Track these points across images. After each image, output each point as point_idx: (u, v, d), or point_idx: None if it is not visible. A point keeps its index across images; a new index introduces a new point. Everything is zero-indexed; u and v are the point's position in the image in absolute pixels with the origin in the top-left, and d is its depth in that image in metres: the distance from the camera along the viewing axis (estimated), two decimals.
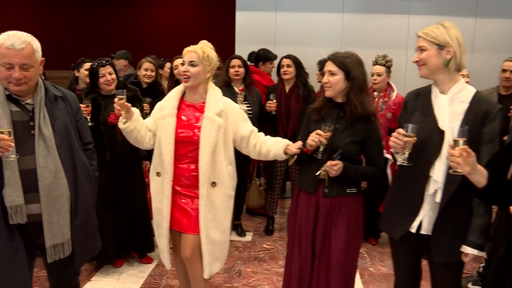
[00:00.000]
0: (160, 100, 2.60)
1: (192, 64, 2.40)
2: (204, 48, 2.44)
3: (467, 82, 3.76)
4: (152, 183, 2.53)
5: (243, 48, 5.51)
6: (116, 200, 3.30)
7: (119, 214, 3.34)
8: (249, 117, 3.80)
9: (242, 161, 3.96)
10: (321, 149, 2.22)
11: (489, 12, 6.09)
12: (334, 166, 2.21)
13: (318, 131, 2.20)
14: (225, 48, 5.22)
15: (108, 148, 3.15)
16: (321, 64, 4.61)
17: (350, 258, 2.36)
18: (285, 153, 2.43)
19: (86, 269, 3.40)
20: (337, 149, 2.26)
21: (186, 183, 2.46)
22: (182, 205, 2.48)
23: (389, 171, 3.63)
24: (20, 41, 1.92)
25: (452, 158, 1.70)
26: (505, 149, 1.78)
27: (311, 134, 2.23)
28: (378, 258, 3.81)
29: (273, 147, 2.49)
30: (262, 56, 4.82)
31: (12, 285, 1.97)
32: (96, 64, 3.22)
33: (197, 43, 2.49)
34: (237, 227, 4.22)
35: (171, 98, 2.50)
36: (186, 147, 2.44)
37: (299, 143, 2.35)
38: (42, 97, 2.04)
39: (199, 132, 2.41)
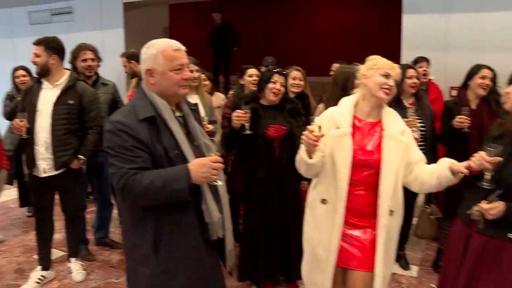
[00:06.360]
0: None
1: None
2: None
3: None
4: (314, 211, 2.25)
5: (410, 54, 4.95)
6: (270, 219, 3.07)
7: (272, 234, 3.10)
8: (422, 135, 3.34)
9: None
10: (487, 176, 1.91)
11: None
12: (491, 210, 1.87)
13: (482, 153, 1.89)
14: (389, 54, 4.76)
15: (266, 163, 2.96)
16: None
17: None
18: (453, 173, 2.02)
19: None
20: (506, 179, 1.90)
21: (359, 212, 2.15)
22: (354, 237, 2.16)
23: None
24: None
25: None
26: None
27: (474, 155, 1.93)
28: None
29: (436, 169, 2.11)
30: None
31: None
32: (273, 68, 3.05)
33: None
34: (400, 258, 3.72)
35: (346, 114, 2.18)
36: (362, 171, 2.12)
37: (465, 163, 2.00)
38: (187, 106, 1.93)
39: (378, 154, 2.09)
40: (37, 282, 3.40)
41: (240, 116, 2.81)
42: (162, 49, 1.75)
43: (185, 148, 1.75)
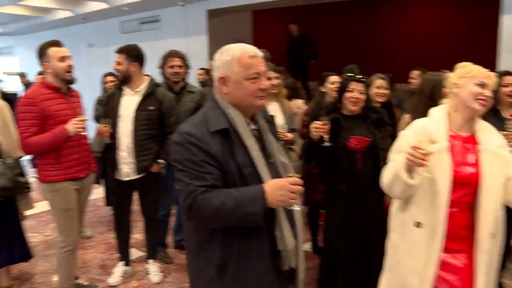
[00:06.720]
0: None
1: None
2: None
3: None
4: (406, 235, 2.03)
5: (509, 58, 4.53)
6: (351, 231, 2.88)
7: (353, 247, 2.89)
8: None
9: None
10: None
11: None
12: None
13: None
14: (485, 58, 4.37)
15: (347, 176, 2.79)
16: None
17: None
18: None
19: None
20: None
21: (454, 236, 1.94)
22: (449, 264, 1.96)
23: None
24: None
25: None
26: None
27: None
28: None
29: None
30: None
31: None
32: (349, 76, 2.87)
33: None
34: (499, 285, 3.36)
35: (440, 127, 1.98)
36: (458, 190, 1.91)
37: None
38: (263, 119, 1.75)
39: (476, 171, 1.90)
40: (122, 276, 3.61)
41: (319, 128, 2.66)
42: (237, 56, 1.60)
43: (260, 166, 1.58)
